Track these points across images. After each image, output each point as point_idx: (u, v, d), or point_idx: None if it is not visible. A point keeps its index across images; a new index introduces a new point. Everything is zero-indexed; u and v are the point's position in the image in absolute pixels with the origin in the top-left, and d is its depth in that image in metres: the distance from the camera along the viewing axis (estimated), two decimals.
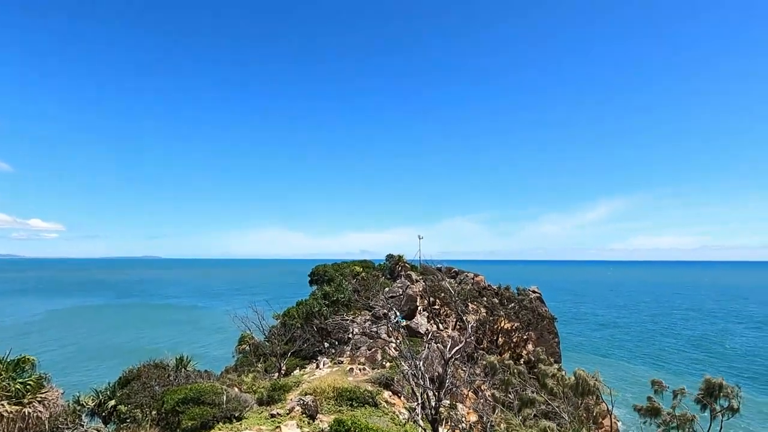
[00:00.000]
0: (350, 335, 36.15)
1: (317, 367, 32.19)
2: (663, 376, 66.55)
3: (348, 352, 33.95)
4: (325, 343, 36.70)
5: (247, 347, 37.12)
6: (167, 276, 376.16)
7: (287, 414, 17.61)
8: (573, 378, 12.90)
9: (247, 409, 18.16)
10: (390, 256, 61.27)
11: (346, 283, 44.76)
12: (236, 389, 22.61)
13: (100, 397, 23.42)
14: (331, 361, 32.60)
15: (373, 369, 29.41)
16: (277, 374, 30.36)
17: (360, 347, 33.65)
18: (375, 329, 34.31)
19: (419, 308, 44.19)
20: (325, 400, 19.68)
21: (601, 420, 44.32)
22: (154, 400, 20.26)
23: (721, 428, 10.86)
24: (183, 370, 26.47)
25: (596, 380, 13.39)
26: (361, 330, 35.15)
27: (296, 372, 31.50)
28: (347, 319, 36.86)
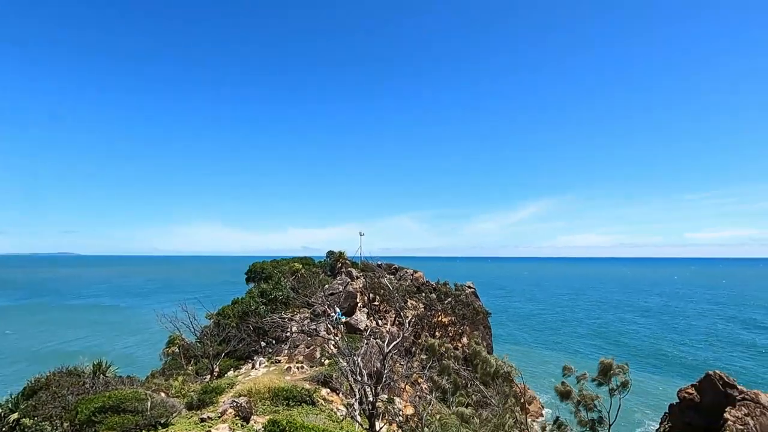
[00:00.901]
0: (288, 334, 35.40)
1: (253, 367, 31.16)
2: (575, 360, 72.83)
3: (286, 351, 33.23)
4: (262, 343, 35.61)
5: (177, 349, 34.97)
6: (84, 274, 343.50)
7: (219, 417, 16.85)
8: (493, 365, 13.76)
9: (174, 414, 17.10)
10: (331, 253, 60.83)
11: (285, 280, 43.74)
12: (163, 394, 21.23)
13: (0, 410, 20.82)
14: (268, 361, 31.71)
15: (311, 367, 29.06)
16: (209, 376, 28.95)
17: (298, 345, 33.08)
18: (314, 327, 33.90)
19: (359, 305, 44.32)
20: (261, 401, 19.10)
21: (528, 405, 47.44)
22: (66, 411, 18.41)
23: (620, 405, 12.29)
24: (101, 376, 24.30)
25: (503, 362, 14.42)
26: (299, 328, 34.56)
27: (230, 373, 30.26)
28: (285, 318, 36.06)
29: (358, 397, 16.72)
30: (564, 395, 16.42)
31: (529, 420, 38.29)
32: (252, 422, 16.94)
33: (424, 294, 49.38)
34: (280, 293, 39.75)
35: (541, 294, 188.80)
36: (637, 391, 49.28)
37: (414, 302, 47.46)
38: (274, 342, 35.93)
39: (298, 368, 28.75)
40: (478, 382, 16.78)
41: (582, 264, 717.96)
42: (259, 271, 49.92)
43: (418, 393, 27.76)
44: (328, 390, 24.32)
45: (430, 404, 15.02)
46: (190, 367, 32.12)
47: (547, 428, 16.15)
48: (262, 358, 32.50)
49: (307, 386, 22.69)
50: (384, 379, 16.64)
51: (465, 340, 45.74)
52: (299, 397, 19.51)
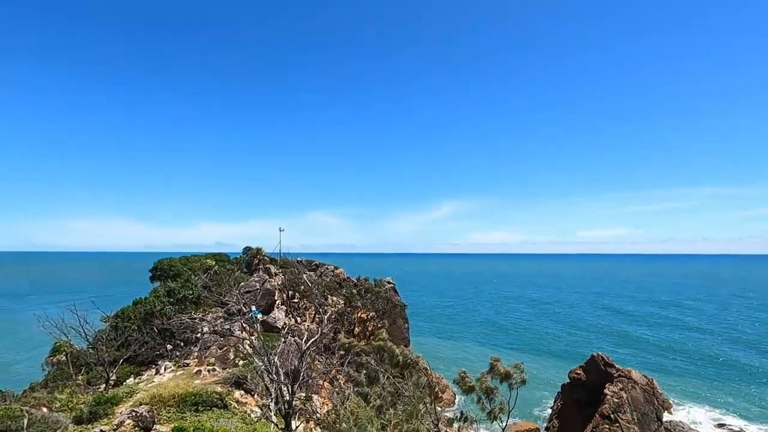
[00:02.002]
0: (199, 335, 33.17)
1: (157, 372, 28.72)
2: (481, 350, 78.13)
3: (196, 354, 31.11)
4: (169, 346, 32.92)
5: (64, 357, 30.89)
6: None
7: (115, 430, 15.25)
8: (400, 356, 14.35)
9: (59, 430, 15.11)
10: (248, 249, 58.22)
11: (196, 278, 40.89)
12: (44, 409, 18.66)
13: None
14: (174, 365, 29.44)
15: (224, 369, 27.57)
16: (104, 386, 26.04)
17: (210, 347, 31.16)
18: (228, 327, 32.16)
19: (277, 302, 43.02)
20: (165, 409, 17.66)
21: (441, 394, 49.86)
22: None
23: (518, 395, 13.63)
24: None
25: (412, 354, 15.19)
26: (211, 328, 32.55)
27: (130, 381, 27.56)
28: (196, 318, 33.72)
29: (273, 397, 16.21)
30: (467, 390, 17.69)
31: (441, 408, 40.31)
32: None
33: (344, 290, 49.44)
34: (190, 292, 37.07)
35: (451, 288, 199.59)
36: (534, 375, 54.40)
37: (335, 298, 47.31)
38: (182, 344, 33.42)
39: (209, 371, 27.09)
40: (392, 376, 17.25)
41: (490, 260, 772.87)
42: (167, 269, 46.08)
43: (336, 389, 27.75)
44: (242, 392, 23.28)
45: (347, 399, 15.09)
46: (80, 377, 28.59)
47: (456, 419, 17.18)
48: (168, 363, 30.08)
49: (219, 389, 21.48)
50: (302, 377, 16.33)
51: (384, 334, 46.78)
52: (209, 401, 18.39)
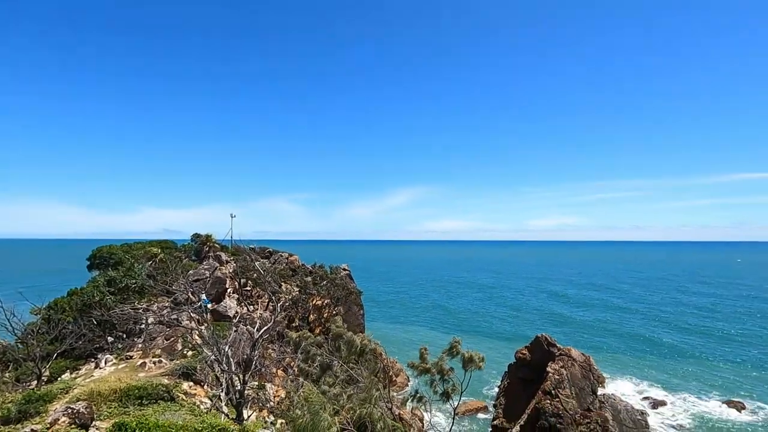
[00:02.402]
0: (143, 326, 31.57)
1: (97, 366, 27.10)
2: (431, 334, 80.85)
3: (140, 345, 29.64)
4: (109, 338, 31.11)
5: None
6: None
7: (48, 429, 14.27)
8: (355, 344, 14.50)
9: None
10: (197, 236, 55.83)
11: (140, 266, 38.73)
12: None
13: None
14: (116, 358, 27.89)
15: (171, 360, 26.50)
16: (35, 382, 24.23)
17: (155, 338, 29.80)
18: (175, 317, 30.83)
19: (229, 290, 41.79)
20: (105, 404, 16.74)
21: (395, 378, 50.95)
22: None
23: (470, 376, 14.27)
24: None
25: (367, 340, 15.44)
26: (157, 319, 31.08)
27: (66, 376, 25.86)
28: (140, 308, 32.02)
29: (224, 387, 15.83)
30: (423, 371, 18.14)
31: (395, 392, 41.28)
32: (93, 428, 14.77)
33: (299, 277, 48.84)
34: (133, 281, 35.09)
35: (406, 275, 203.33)
36: (485, 356, 56.86)
37: (289, 286, 46.65)
38: (124, 336, 31.71)
39: (154, 363, 25.93)
40: (345, 362, 17.39)
41: (445, 246, 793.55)
42: (107, 257, 43.27)
43: (290, 377, 27.56)
44: (191, 383, 22.52)
45: (301, 386, 15.01)
46: (7, 374, 26.41)
47: (408, 400, 17.66)
48: (109, 356, 28.44)
49: (166, 381, 20.64)
50: (254, 366, 16.04)
51: (339, 321, 46.87)
52: (155, 394, 17.63)
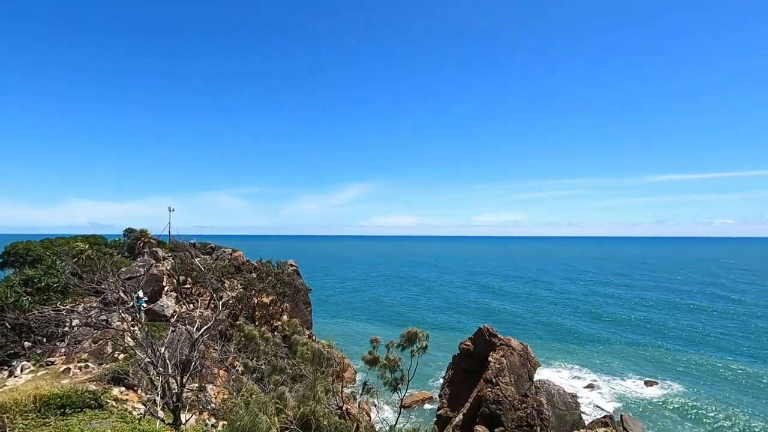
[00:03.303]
0: (67, 328, 28.95)
1: (12, 375, 24.48)
2: (376, 329, 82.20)
3: (63, 350, 27.15)
4: (26, 343, 28.19)
5: None
6: None
7: None
8: (310, 351, 14.32)
9: None
10: (130, 231, 52.16)
11: (63, 263, 35.41)
12: None
13: None
14: (35, 365, 25.38)
15: (100, 365, 24.57)
16: None
17: (82, 341, 27.45)
18: (104, 318, 28.59)
19: (166, 289, 39.43)
20: (21, 415, 15.15)
21: (342, 373, 50.84)
22: None
23: (417, 363, 14.61)
24: None
25: (330, 347, 15.34)
26: (83, 321, 28.64)
27: None
28: (63, 310, 29.32)
29: (160, 390, 14.92)
30: (371, 362, 18.18)
31: (343, 387, 41.26)
32: None
33: (243, 274, 47.13)
34: (55, 280, 32.03)
35: (354, 270, 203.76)
36: (431, 348, 58.33)
37: (232, 283, 44.89)
38: (45, 341, 28.88)
39: (80, 368, 23.93)
40: (295, 359, 17.06)
41: (393, 242, 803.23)
42: (23, 254, 39.17)
43: (233, 377, 26.56)
44: (123, 388, 21.03)
45: (243, 387, 14.49)
46: None
47: (358, 393, 17.72)
48: (26, 362, 25.80)
49: (94, 387, 19.10)
50: (193, 367, 15.25)
51: (285, 318, 45.81)
52: (80, 401, 16.24)
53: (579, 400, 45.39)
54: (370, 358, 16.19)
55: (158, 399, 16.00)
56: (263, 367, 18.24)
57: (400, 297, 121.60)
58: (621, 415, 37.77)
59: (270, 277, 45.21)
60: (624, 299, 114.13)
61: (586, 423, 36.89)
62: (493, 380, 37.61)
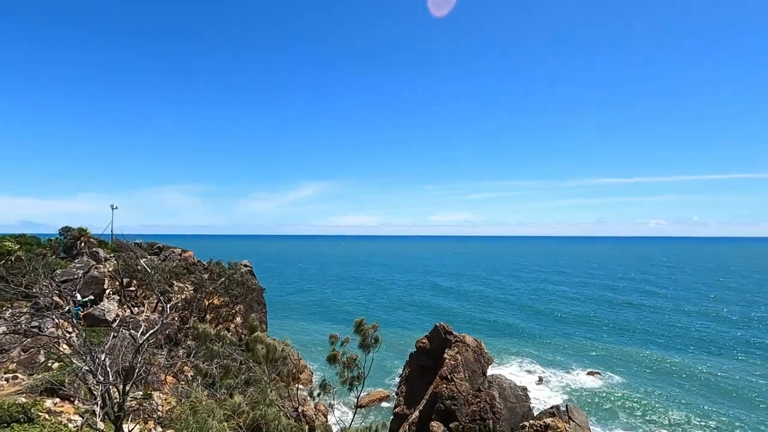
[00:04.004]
0: None
1: None
2: (336, 328, 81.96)
3: None
4: None
5: None
6: None
7: None
8: (265, 347, 13.83)
9: None
10: (67, 230, 48.36)
11: None
12: None
13: None
14: None
15: (30, 375, 22.59)
16: None
17: (9, 350, 25.12)
18: (36, 324, 26.34)
19: (108, 291, 36.99)
20: None
21: (299, 375, 50.02)
22: None
23: (372, 359, 14.66)
24: None
25: (285, 345, 14.92)
26: (11, 328, 26.21)
27: None
28: None
29: (100, 400, 13.93)
30: (332, 359, 18.04)
31: (298, 388, 40.58)
32: None
33: (194, 275, 45.10)
34: None
35: (310, 270, 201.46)
36: (388, 347, 58.64)
37: (182, 284, 42.83)
38: None
39: (7, 380, 21.87)
40: (250, 362, 16.48)
41: (350, 241, 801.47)
42: None
43: (182, 383, 25.34)
44: (57, 400, 19.45)
45: (193, 393, 13.80)
46: None
47: (314, 392, 17.47)
48: None
49: (23, 400, 17.53)
50: (137, 374, 14.35)
51: (239, 320, 44.33)
52: (7, 416, 14.85)
53: (529, 393, 47.40)
54: (330, 354, 16.00)
55: (98, 409, 14.95)
56: (216, 370, 17.51)
57: (356, 297, 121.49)
58: (567, 405, 39.82)
59: (222, 278, 43.60)
60: (566, 296, 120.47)
61: (535, 414, 38.55)
62: (449, 376, 38.42)
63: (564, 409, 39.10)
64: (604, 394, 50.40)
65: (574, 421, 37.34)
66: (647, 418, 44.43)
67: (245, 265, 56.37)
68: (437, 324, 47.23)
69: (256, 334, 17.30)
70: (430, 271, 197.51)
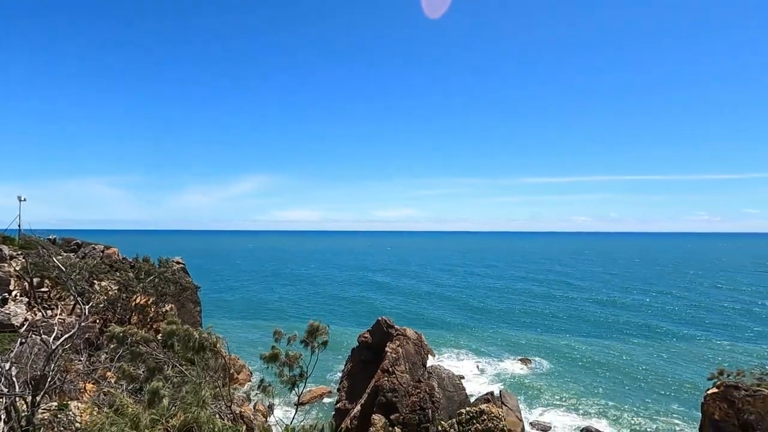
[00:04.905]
0: None
1: None
2: (279, 324, 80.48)
3: None
4: None
5: None
6: None
7: None
8: (183, 336, 12.96)
9: None
10: None
11: None
12: None
13: None
14: None
15: None
16: None
17: None
18: None
19: (15, 293, 33.13)
20: None
21: (236, 375, 48.19)
22: None
23: (317, 358, 14.48)
24: None
25: (208, 334, 14.12)
26: None
27: None
28: None
29: (4, 414, 12.43)
30: (271, 359, 17.43)
31: (236, 389, 39.09)
32: None
33: (119, 273, 41.64)
34: None
35: (247, 266, 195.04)
36: (329, 342, 58.36)
37: (105, 284, 39.37)
38: None
39: None
40: (178, 364, 15.47)
41: (290, 237, 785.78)
42: None
43: (104, 390, 23.33)
44: None
45: (118, 400, 12.67)
46: None
47: (252, 392, 16.86)
48: None
49: None
50: (50, 383, 12.99)
51: (173, 314, 41.73)
52: None
53: (466, 381, 49.57)
54: (271, 354, 15.44)
55: (1, 425, 13.34)
56: (143, 373, 16.26)
57: (293, 294, 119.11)
58: (500, 391, 42.18)
59: (152, 276, 40.71)
60: (497, 289, 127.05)
61: (472, 401, 40.39)
62: (390, 369, 39.01)
63: (498, 394, 41.33)
64: (533, 380, 54.00)
65: (506, 405, 39.60)
66: (569, 398, 48.34)
67: (178, 262, 53.11)
68: (379, 318, 47.70)
69: (170, 326, 15.96)
70: (369, 267, 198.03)
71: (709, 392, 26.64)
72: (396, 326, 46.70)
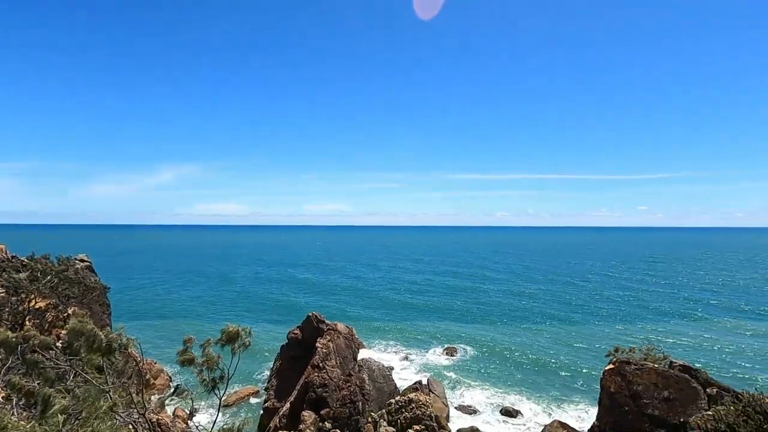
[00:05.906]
0: None
1: None
2: (200, 323, 76.43)
3: None
4: None
5: None
6: None
7: None
8: (82, 334, 11.66)
9: None
10: None
11: None
12: None
13: None
14: None
15: None
16: None
17: None
18: None
19: None
20: None
21: (153, 381, 44.71)
22: None
23: (239, 359, 13.88)
24: None
25: (119, 335, 12.91)
26: None
27: None
28: None
29: None
30: (186, 362, 16.33)
31: (152, 395, 36.25)
32: None
33: (7, 273, 36.48)
34: None
35: (164, 263, 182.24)
36: (257, 341, 56.41)
37: None
38: None
39: None
40: (84, 371, 13.90)
41: (217, 231, 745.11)
42: None
43: None
44: None
45: (5, 417, 10.99)
46: None
47: (167, 400, 15.72)
48: None
49: None
50: None
51: (81, 314, 37.51)
52: None
53: (395, 372, 50.73)
54: (184, 358, 14.42)
55: None
56: (38, 385, 14.31)
57: (218, 293, 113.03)
58: (427, 380, 43.80)
59: (49, 276, 36.29)
60: (422, 283, 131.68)
61: (401, 390, 41.47)
62: (320, 365, 38.70)
63: (425, 383, 42.89)
64: (457, 367, 56.85)
65: (433, 392, 41.24)
66: (490, 382, 51.68)
67: (82, 260, 47.91)
68: (309, 314, 47.07)
69: (72, 326, 14.22)
70: (297, 263, 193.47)
71: (606, 368, 29.99)
72: (327, 321, 46.42)
